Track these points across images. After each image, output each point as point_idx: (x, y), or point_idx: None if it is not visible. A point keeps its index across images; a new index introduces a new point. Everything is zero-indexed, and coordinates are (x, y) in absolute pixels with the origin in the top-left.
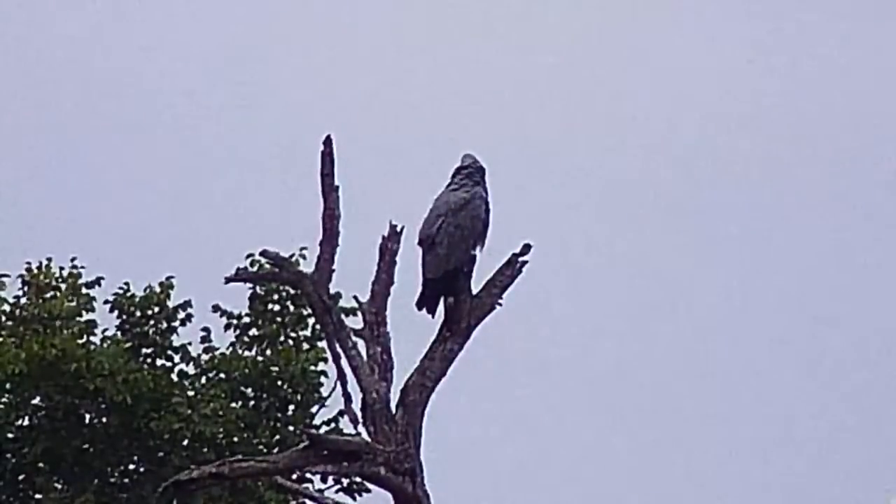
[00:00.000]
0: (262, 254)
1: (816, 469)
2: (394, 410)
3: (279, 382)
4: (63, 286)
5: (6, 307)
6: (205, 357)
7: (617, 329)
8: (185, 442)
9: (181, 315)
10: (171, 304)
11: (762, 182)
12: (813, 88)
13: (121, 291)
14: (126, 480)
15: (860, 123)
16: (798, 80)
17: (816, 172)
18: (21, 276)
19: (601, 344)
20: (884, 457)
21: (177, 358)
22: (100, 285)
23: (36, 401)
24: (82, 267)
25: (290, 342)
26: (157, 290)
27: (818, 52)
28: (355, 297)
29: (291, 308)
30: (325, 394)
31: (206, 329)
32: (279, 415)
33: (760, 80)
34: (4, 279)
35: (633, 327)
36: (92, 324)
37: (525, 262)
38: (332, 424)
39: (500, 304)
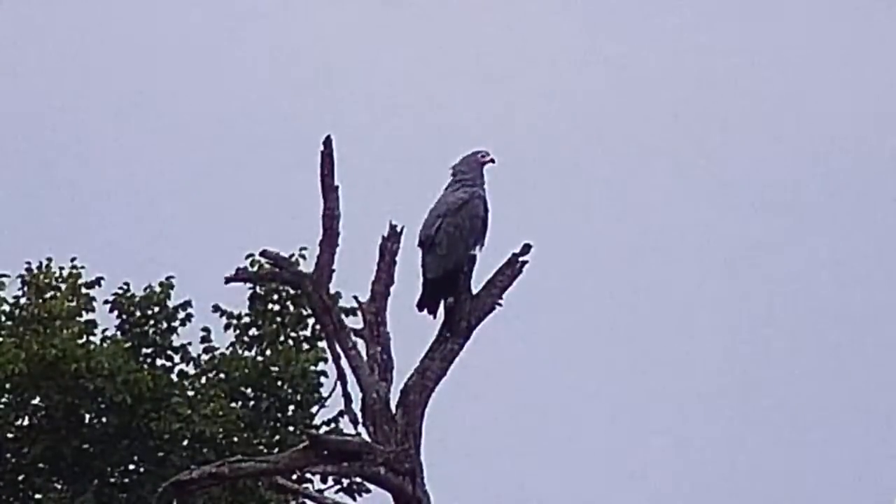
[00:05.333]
0: (262, 254)
1: (819, 469)
2: (394, 410)
3: (279, 382)
4: (63, 286)
5: (6, 307)
6: (205, 357)
7: (618, 329)
8: (185, 442)
9: (181, 315)
10: (171, 304)
11: (768, 178)
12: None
13: (121, 291)
14: (126, 480)
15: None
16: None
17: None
18: (21, 276)
19: (602, 344)
20: (887, 457)
21: (177, 358)
22: (100, 285)
23: (36, 401)
24: (82, 267)
25: (290, 342)
26: (157, 290)
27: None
28: (355, 297)
29: (291, 308)
30: (325, 394)
31: (206, 329)
32: (279, 415)
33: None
34: (4, 279)
35: (634, 327)
36: (92, 324)
37: (525, 262)
38: (332, 424)
39: (500, 304)
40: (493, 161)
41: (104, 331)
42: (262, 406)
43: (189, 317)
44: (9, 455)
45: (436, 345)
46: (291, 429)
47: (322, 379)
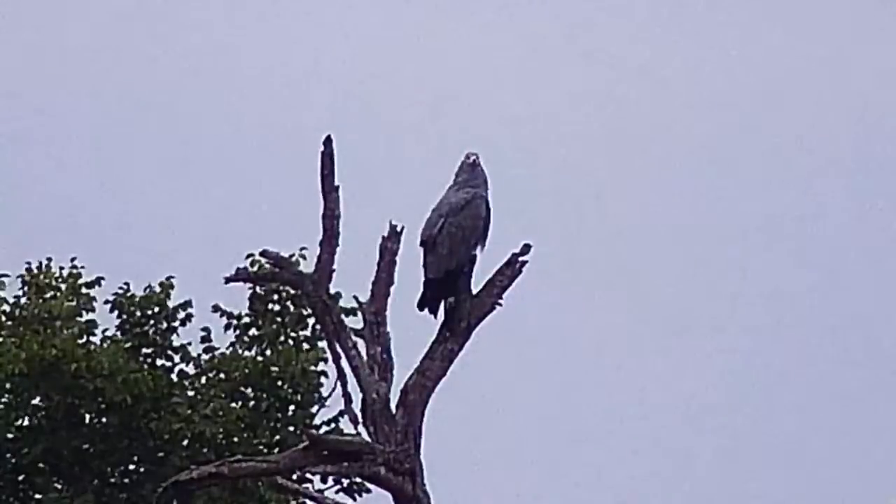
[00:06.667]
0: (262, 254)
1: (818, 469)
2: (394, 410)
3: (279, 382)
4: (63, 286)
5: (6, 307)
6: (205, 357)
7: (618, 329)
8: (185, 442)
9: (181, 315)
10: (171, 304)
11: (771, 178)
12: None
13: (121, 291)
14: (126, 480)
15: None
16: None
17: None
18: (21, 276)
19: (602, 343)
20: (886, 457)
21: (177, 358)
22: (100, 285)
23: (36, 401)
24: (82, 267)
25: (290, 342)
26: (157, 290)
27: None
28: (355, 297)
29: (291, 308)
30: (325, 394)
31: (206, 329)
32: (279, 415)
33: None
34: (4, 279)
35: (634, 327)
36: (92, 324)
37: (525, 262)
38: (332, 424)
39: (500, 304)
40: (477, 157)
41: (104, 331)
42: (262, 406)
43: (189, 317)
44: (9, 455)
45: (436, 345)
46: (291, 429)
47: (322, 379)
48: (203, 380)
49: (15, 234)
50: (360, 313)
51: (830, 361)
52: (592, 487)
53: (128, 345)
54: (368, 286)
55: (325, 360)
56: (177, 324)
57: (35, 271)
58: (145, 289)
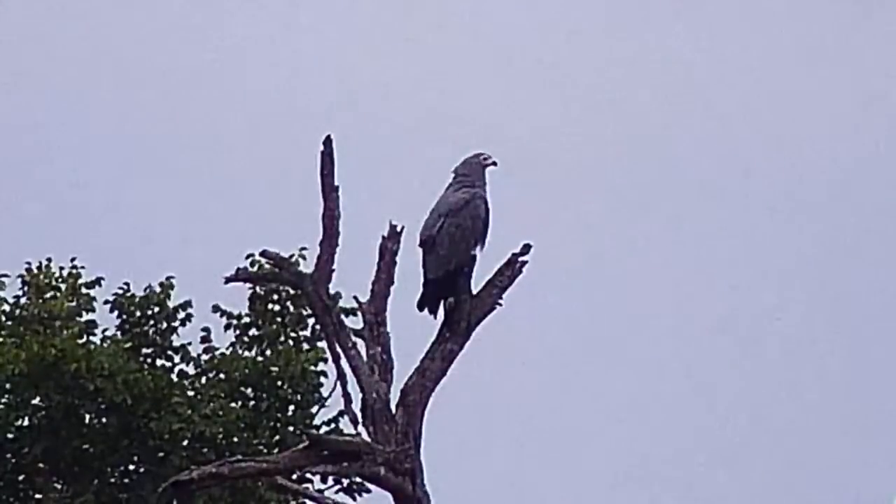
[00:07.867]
0: (262, 254)
1: (819, 469)
2: (394, 410)
3: (279, 382)
4: (63, 286)
5: (6, 307)
6: (205, 357)
7: (618, 329)
8: (185, 442)
9: (181, 315)
10: (171, 304)
11: (772, 179)
12: None
13: (121, 291)
14: (126, 480)
15: None
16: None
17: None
18: (21, 276)
19: (602, 343)
20: (886, 457)
21: (177, 358)
22: (100, 285)
23: (36, 401)
24: (82, 267)
25: (290, 342)
26: (157, 290)
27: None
28: (355, 297)
29: (291, 308)
30: (325, 394)
31: (206, 329)
32: (279, 415)
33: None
34: (4, 279)
35: (634, 327)
36: (92, 324)
37: (525, 262)
38: (332, 424)
39: (500, 304)
40: (494, 164)
41: (104, 331)
42: (262, 406)
43: (189, 317)
44: (9, 455)
45: (436, 345)
46: (291, 429)
47: (322, 379)
48: (203, 380)
49: (15, 234)
50: (360, 313)
51: (828, 361)
52: (593, 487)
53: (128, 345)
54: (368, 286)
55: (325, 360)
56: (177, 324)
57: (35, 271)
58: (145, 289)
